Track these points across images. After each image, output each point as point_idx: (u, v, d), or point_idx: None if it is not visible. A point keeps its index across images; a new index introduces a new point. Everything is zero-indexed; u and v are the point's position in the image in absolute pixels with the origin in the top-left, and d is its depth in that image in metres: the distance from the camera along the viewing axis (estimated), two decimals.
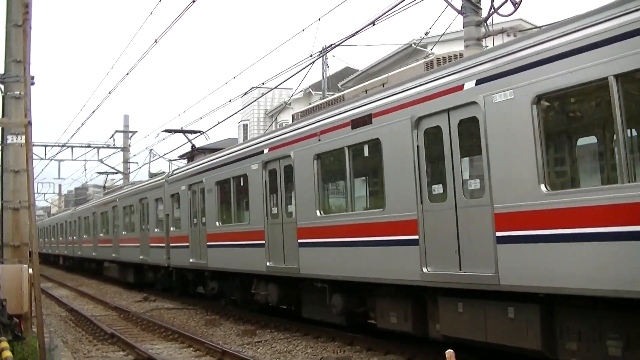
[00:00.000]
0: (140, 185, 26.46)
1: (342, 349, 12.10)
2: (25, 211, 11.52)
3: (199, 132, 24.51)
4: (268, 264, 14.01)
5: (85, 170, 55.14)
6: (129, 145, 42.55)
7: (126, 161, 42.43)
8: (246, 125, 40.78)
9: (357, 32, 14.95)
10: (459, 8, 13.24)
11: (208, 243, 17.29)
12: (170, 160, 38.42)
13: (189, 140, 24.97)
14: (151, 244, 22.90)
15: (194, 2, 14.74)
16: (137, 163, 57.97)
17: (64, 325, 17.61)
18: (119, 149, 42.32)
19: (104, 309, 21.32)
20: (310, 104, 35.62)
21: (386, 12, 13.71)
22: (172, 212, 20.95)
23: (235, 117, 37.11)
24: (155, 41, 18.15)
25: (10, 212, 11.66)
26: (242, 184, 15.65)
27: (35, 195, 13.33)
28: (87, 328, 16.64)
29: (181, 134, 25.20)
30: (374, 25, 14.17)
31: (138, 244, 24.64)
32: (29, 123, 10.34)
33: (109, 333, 14.88)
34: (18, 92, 11.48)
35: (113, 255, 28.89)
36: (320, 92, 30.27)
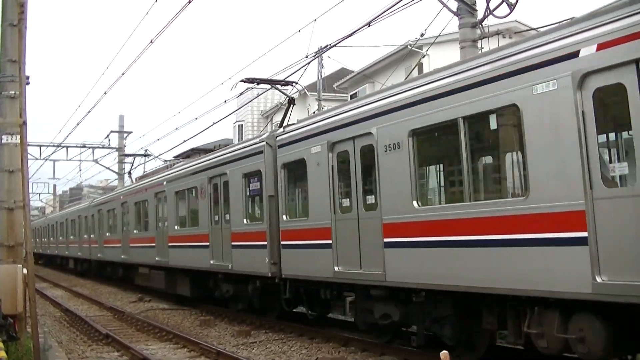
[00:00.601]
0: (211, 157, 17.71)
1: (337, 350, 12.11)
2: (19, 211, 11.49)
3: (291, 82, 17.93)
4: (599, 279, 7.08)
5: (80, 170, 54.94)
6: (124, 146, 42.49)
7: (121, 162, 42.36)
8: (241, 125, 40.82)
9: (352, 33, 15.01)
10: (455, 10, 13.28)
11: (387, 240, 10.30)
12: (165, 160, 38.42)
13: (282, 91, 18.61)
14: (236, 243, 15.59)
15: (190, 2, 14.74)
16: (132, 163, 57.81)
17: (59, 326, 17.56)
18: (114, 149, 42.26)
19: (99, 309, 21.26)
20: (308, 105, 35.70)
21: (382, 13, 13.76)
22: (284, 192, 13.69)
23: (230, 118, 37.13)
24: (151, 41, 18.14)
25: (4, 212, 11.63)
26: (495, 126, 8.83)
27: (30, 195, 13.30)
28: (82, 328, 16.59)
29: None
30: (369, 26, 14.23)
31: (205, 244, 17.17)
32: (24, 123, 10.34)
33: (103, 333, 14.85)
34: (13, 92, 11.45)
35: (157, 259, 21.20)
36: (316, 93, 30.29)
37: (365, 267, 10.92)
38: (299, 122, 13.92)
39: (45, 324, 16.77)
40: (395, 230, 10.22)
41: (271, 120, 38.62)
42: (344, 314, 15.45)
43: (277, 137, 13.96)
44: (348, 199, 11.55)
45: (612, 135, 7.74)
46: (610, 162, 7.56)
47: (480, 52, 12.50)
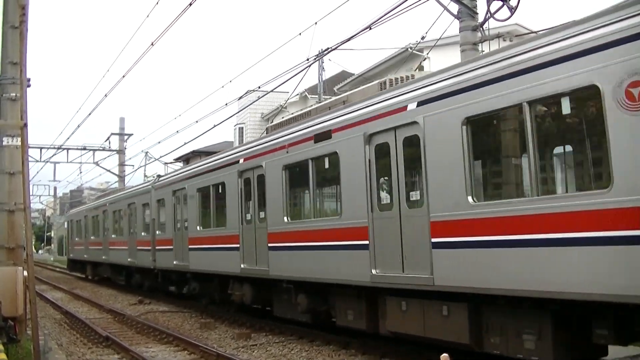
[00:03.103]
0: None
1: (337, 353, 12.10)
2: (20, 213, 11.50)
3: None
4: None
5: (81, 172, 55.13)
6: (125, 148, 42.57)
7: (122, 164, 42.42)
8: (242, 128, 40.85)
9: (353, 36, 15.00)
10: (456, 13, 13.29)
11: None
12: (166, 163, 38.46)
13: None
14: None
15: (190, 5, 14.77)
16: (132, 166, 58.04)
17: (59, 328, 17.55)
18: (115, 152, 42.33)
19: (99, 311, 21.25)
20: (308, 107, 35.72)
21: (383, 16, 13.76)
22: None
23: (231, 121, 37.19)
24: (152, 44, 18.19)
25: (5, 214, 11.65)
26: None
27: (31, 197, 13.32)
28: (82, 331, 16.58)
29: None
30: (370, 29, 14.23)
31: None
32: (25, 125, 10.34)
33: (103, 336, 14.84)
34: (14, 94, 11.48)
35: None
36: (317, 96, 30.32)
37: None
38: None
39: (45, 327, 16.77)
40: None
41: (271, 122, 38.63)
42: None
43: None
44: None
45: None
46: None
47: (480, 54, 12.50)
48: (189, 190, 18.45)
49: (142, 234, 22.84)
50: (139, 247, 23.07)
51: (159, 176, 23.13)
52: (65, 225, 46.61)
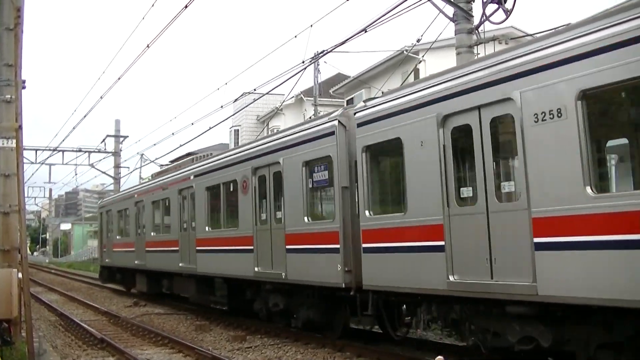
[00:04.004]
0: None
1: (332, 356, 12.09)
2: (15, 215, 11.50)
3: None
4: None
5: (76, 174, 55.19)
6: (120, 150, 42.52)
7: (117, 166, 42.37)
8: (237, 130, 40.87)
9: (349, 39, 15.03)
10: (451, 15, 13.33)
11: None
12: (161, 165, 38.44)
13: None
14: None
15: (186, 7, 14.78)
16: (128, 168, 57.97)
17: (54, 330, 17.51)
18: (110, 154, 42.28)
19: (94, 313, 21.22)
20: (304, 110, 35.75)
21: (378, 18, 13.79)
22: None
23: (226, 123, 37.14)
24: (148, 46, 18.19)
25: (0, 216, 11.62)
26: None
27: (26, 199, 13.30)
28: (77, 333, 16.55)
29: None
30: (365, 32, 14.26)
31: None
32: (20, 127, 10.34)
33: (98, 338, 14.81)
34: (9, 96, 11.47)
35: None
36: (312, 98, 30.35)
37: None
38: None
39: (40, 329, 16.73)
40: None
41: (267, 125, 38.65)
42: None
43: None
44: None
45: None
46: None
47: (476, 57, 12.54)
48: (526, 106, 7.77)
49: (306, 219, 12.88)
50: (291, 247, 13.23)
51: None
52: (99, 219, 33.24)
